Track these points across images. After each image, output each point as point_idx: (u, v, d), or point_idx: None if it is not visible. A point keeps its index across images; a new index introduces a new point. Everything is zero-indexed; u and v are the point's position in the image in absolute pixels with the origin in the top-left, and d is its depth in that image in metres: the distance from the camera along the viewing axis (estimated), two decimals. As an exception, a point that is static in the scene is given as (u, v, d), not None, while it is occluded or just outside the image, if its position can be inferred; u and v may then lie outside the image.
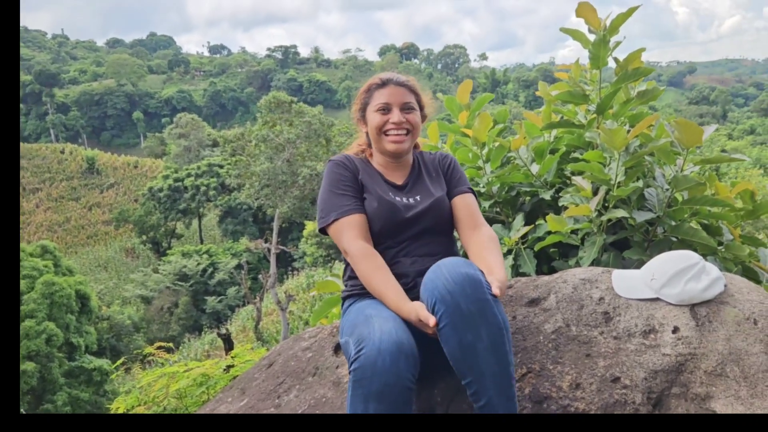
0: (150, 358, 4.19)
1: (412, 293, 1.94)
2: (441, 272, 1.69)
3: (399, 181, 2.18)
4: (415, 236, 2.05)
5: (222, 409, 2.39)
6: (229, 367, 3.52)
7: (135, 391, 3.65)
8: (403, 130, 2.10)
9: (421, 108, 2.20)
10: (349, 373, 1.60)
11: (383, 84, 2.14)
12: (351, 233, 1.99)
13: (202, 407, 2.62)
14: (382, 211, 2.04)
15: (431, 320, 1.68)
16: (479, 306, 1.63)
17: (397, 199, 2.09)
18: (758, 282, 2.73)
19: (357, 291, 2.03)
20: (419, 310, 1.75)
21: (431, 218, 2.09)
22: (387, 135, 2.10)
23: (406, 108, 2.11)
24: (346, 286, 2.14)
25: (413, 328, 1.79)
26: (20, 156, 57.03)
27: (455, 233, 2.24)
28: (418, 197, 2.12)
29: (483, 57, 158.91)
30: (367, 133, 2.20)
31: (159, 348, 3.86)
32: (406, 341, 1.61)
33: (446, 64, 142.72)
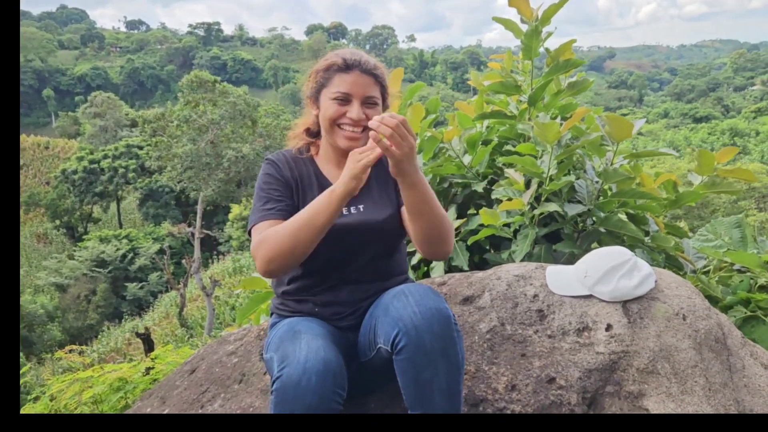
0: (65, 356, 3.90)
1: (348, 320, 1.82)
2: (408, 302, 1.57)
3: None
4: (355, 256, 1.82)
5: (140, 421, 2.22)
6: (149, 369, 3.32)
7: (44, 398, 3.38)
8: (360, 128, 1.77)
9: (384, 99, 1.87)
10: (270, 393, 1.48)
11: (347, 68, 1.78)
12: (257, 237, 1.72)
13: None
14: None
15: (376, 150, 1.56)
16: (443, 344, 1.53)
17: None
18: (681, 271, 2.81)
19: (287, 312, 1.86)
20: (354, 159, 1.59)
21: (378, 235, 1.84)
22: (341, 129, 1.78)
23: (368, 102, 1.78)
24: (276, 302, 1.93)
25: (342, 348, 1.67)
26: None
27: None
28: (361, 207, 1.85)
29: (411, 38, 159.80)
30: (317, 117, 1.87)
31: (70, 351, 3.60)
32: (335, 360, 1.50)
33: (374, 45, 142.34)
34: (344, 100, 1.77)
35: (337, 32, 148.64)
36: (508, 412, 1.85)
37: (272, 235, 1.64)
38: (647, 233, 2.84)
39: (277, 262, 1.64)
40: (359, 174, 1.59)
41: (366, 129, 1.77)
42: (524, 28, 2.76)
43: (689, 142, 42.58)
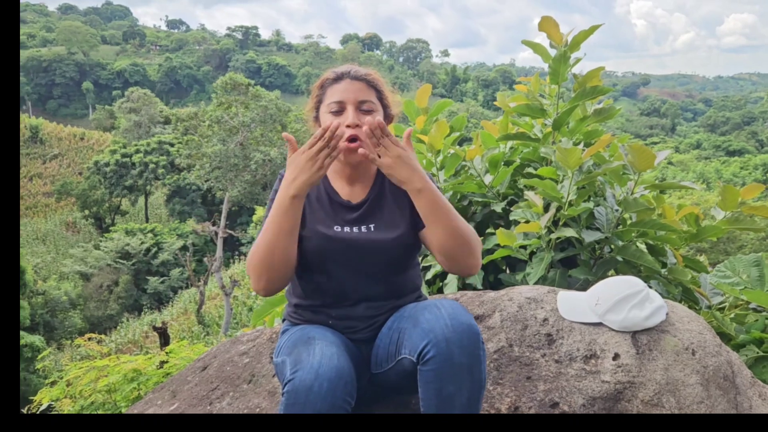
0: (85, 343, 4.01)
1: (362, 334, 1.83)
2: (441, 315, 1.58)
3: (354, 199, 1.85)
4: (366, 275, 1.80)
5: (150, 412, 2.28)
6: (162, 362, 3.39)
7: (61, 383, 3.47)
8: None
9: (385, 107, 1.85)
10: (282, 395, 1.51)
11: (337, 79, 1.80)
12: None
13: (131, 408, 2.50)
14: (321, 248, 1.77)
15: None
16: (471, 361, 1.55)
17: (344, 229, 1.79)
18: (696, 305, 2.79)
19: (301, 320, 1.88)
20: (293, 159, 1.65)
21: (389, 256, 1.81)
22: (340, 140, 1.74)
23: (363, 108, 1.76)
24: (290, 310, 1.94)
25: (354, 359, 1.70)
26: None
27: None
28: (372, 226, 1.81)
29: (445, 53, 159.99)
30: None
31: (89, 339, 3.69)
32: (347, 368, 1.52)
33: (408, 58, 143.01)
34: (339, 110, 1.77)
35: (371, 43, 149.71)
36: (510, 433, 1.86)
37: (253, 251, 1.69)
38: (665, 265, 2.83)
39: (265, 276, 1.67)
40: (305, 182, 1.63)
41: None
42: (553, 52, 2.78)
43: (720, 175, 41.85)
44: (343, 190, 1.87)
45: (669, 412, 1.84)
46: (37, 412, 3.92)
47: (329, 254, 1.77)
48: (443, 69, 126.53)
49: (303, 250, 1.77)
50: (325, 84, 1.83)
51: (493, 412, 1.91)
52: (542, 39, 2.93)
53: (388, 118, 1.88)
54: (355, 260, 1.78)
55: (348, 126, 1.73)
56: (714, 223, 2.92)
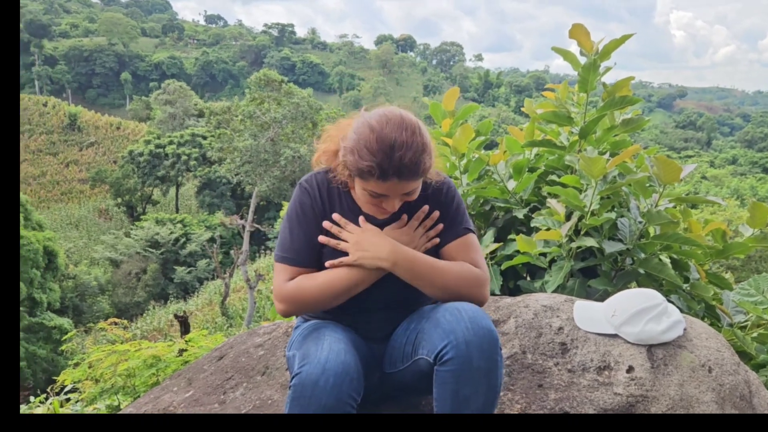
0: (108, 328, 4.13)
1: (376, 334, 1.84)
2: (462, 317, 1.59)
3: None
4: (384, 290, 1.78)
5: (166, 399, 2.33)
6: (182, 350, 3.45)
7: (83, 365, 3.56)
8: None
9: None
10: (289, 388, 1.54)
11: (384, 177, 1.59)
12: (285, 278, 1.75)
13: (147, 393, 2.55)
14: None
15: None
16: (489, 365, 1.55)
17: None
18: (718, 322, 2.74)
19: (314, 317, 1.89)
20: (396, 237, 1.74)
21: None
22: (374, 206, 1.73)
23: (407, 194, 1.68)
24: None
25: (365, 356, 1.72)
26: None
27: None
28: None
29: (479, 57, 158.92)
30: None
31: (113, 324, 3.78)
32: (353, 364, 1.54)
33: (441, 61, 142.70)
34: (380, 196, 1.67)
35: (405, 45, 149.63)
36: (518, 439, 1.86)
37: (305, 290, 1.72)
38: (687, 280, 2.79)
39: (299, 312, 1.77)
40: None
41: (403, 211, 1.78)
42: (583, 60, 2.76)
43: (755, 192, 40.76)
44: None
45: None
46: (60, 393, 4.03)
47: None
48: (476, 73, 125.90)
49: (324, 264, 1.77)
50: (367, 174, 1.61)
51: (502, 417, 1.91)
52: (575, 47, 2.92)
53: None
54: (378, 280, 1.77)
55: (387, 210, 1.72)
56: (741, 240, 2.87)
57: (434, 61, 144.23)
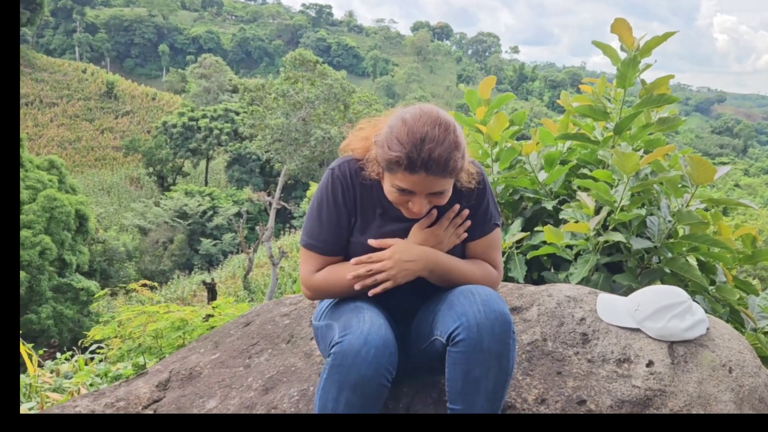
0: (134, 291, 4.28)
1: (402, 315, 1.87)
2: (474, 301, 1.62)
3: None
4: (412, 284, 1.79)
5: (193, 359, 2.41)
6: (208, 316, 3.56)
7: (113, 323, 3.69)
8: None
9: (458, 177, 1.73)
10: (327, 354, 1.57)
11: (411, 169, 1.57)
12: (313, 267, 1.79)
13: (175, 353, 2.65)
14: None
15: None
16: (500, 348, 1.57)
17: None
18: (742, 327, 2.73)
19: None
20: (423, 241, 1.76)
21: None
22: (402, 205, 1.71)
23: (435, 194, 1.65)
24: None
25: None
26: (43, 69, 56.86)
27: None
28: None
29: (515, 50, 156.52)
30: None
31: (143, 285, 3.90)
32: (392, 340, 1.58)
33: (477, 51, 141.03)
34: (407, 192, 1.64)
35: (442, 33, 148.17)
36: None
37: (333, 283, 1.78)
38: (713, 282, 2.78)
39: (321, 298, 1.86)
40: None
41: (433, 207, 1.75)
42: (623, 56, 2.75)
43: (791, 203, 39.69)
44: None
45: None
46: (85, 352, 4.17)
47: None
48: (511, 65, 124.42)
49: (351, 255, 1.79)
50: (395, 164, 1.59)
51: (519, 401, 1.95)
52: (616, 43, 2.90)
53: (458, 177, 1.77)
54: None
55: (413, 211, 1.68)
56: (772, 246, 2.85)
57: (469, 51, 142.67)
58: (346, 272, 1.74)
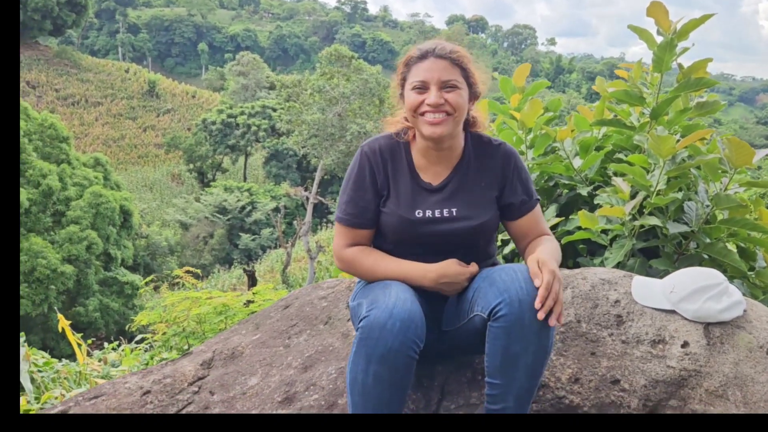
0: (177, 280, 4.44)
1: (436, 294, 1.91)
2: (517, 277, 1.66)
3: (436, 181, 1.90)
4: (443, 253, 1.86)
5: (235, 340, 2.51)
6: (249, 302, 3.67)
7: (158, 309, 3.84)
8: (442, 114, 1.77)
9: (471, 85, 1.86)
10: (356, 330, 1.64)
11: (422, 57, 1.81)
12: (344, 240, 1.92)
13: (218, 335, 2.75)
14: (400, 229, 1.87)
15: (473, 267, 1.82)
16: (540, 324, 1.61)
17: (425, 214, 1.86)
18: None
19: None
20: (451, 266, 1.81)
21: (468, 241, 1.90)
22: (423, 116, 1.79)
23: (447, 86, 1.78)
24: None
25: (426, 311, 1.80)
26: (89, 69, 58.49)
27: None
28: (454, 210, 1.88)
29: (551, 42, 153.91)
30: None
31: (187, 272, 4.04)
32: (418, 313, 1.63)
33: (513, 44, 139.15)
34: (422, 88, 1.79)
35: (477, 26, 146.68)
36: (567, 401, 1.93)
37: (359, 265, 1.90)
38: (753, 268, 2.74)
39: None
40: (445, 274, 1.82)
41: (448, 114, 1.79)
42: (660, 40, 2.73)
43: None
44: (428, 170, 1.92)
45: (733, 406, 1.84)
46: (131, 342, 4.33)
47: (408, 237, 1.89)
48: (548, 57, 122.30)
49: (383, 225, 1.91)
50: (410, 62, 1.85)
51: (553, 380, 1.97)
52: (653, 29, 2.87)
53: (474, 95, 1.90)
54: (434, 245, 1.89)
55: (431, 105, 1.77)
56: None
57: (505, 44, 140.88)
58: (370, 259, 1.88)
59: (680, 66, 2.76)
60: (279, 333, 2.44)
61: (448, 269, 1.82)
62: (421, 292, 1.93)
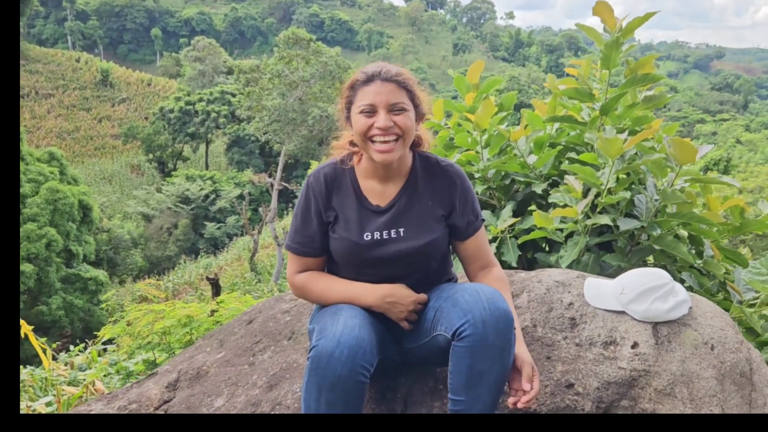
0: (145, 288, 4.39)
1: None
2: (480, 298, 1.71)
3: (383, 202, 1.91)
4: (396, 278, 1.91)
5: (200, 358, 2.51)
6: (213, 311, 3.65)
7: (122, 322, 3.80)
8: (392, 136, 1.77)
9: (417, 106, 1.86)
10: (307, 359, 1.66)
11: (368, 80, 1.81)
12: (295, 267, 1.98)
13: (182, 353, 2.74)
14: (349, 253, 1.89)
15: (423, 295, 1.87)
16: (503, 344, 1.67)
17: (373, 236, 1.88)
18: (731, 298, 2.80)
19: None
20: (399, 288, 1.86)
21: (418, 261, 1.92)
22: (373, 142, 1.79)
23: (395, 109, 1.78)
24: None
25: (382, 330, 1.87)
26: (37, 60, 56.41)
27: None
28: (402, 231, 1.90)
29: (510, 15, 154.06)
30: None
31: (149, 284, 4.00)
32: (367, 339, 1.66)
33: (471, 19, 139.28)
34: (371, 111, 1.78)
35: (435, 2, 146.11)
36: (524, 409, 1.99)
37: (309, 291, 1.96)
38: (702, 255, 2.85)
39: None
40: (392, 314, 1.88)
41: (398, 138, 1.79)
42: (607, 37, 2.78)
43: (793, 158, 39.46)
44: (374, 193, 1.93)
45: (681, 403, 1.93)
46: (99, 346, 4.28)
47: (358, 260, 1.91)
48: (507, 32, 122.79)
49: (334, 252, 1.94)
50: (356, 85, 1.84)
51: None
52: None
53: (419, 116, 1.90)
54: (383, 266, 1.91)
55: (380, 128, 1.77)
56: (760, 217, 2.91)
57: (464, 19, 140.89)
58: (319, 285, 1.93)
59: (628, 62, 2.82)
60: (243, 350, 2.45)
61: (396, 290, 1.87)
62: (379, 313, 1.96)
